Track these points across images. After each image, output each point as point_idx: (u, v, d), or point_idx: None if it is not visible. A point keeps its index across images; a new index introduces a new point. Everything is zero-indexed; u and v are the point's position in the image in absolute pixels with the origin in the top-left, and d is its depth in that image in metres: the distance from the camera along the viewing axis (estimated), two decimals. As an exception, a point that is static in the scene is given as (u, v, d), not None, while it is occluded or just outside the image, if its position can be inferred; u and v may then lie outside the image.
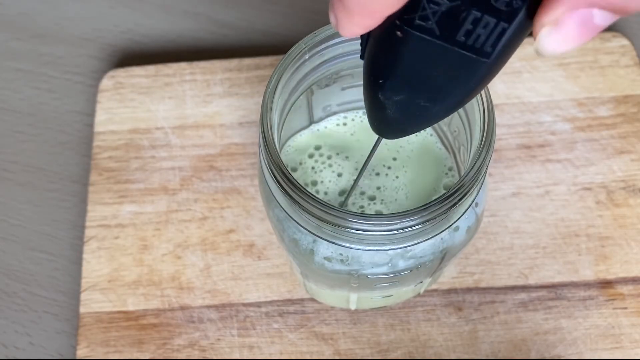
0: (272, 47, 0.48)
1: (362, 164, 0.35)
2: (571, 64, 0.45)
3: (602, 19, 0.21)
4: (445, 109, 0.25)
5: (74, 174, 0.45)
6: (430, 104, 0.24)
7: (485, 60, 0.22)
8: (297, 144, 0.35)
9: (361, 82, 0.34)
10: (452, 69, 0.23)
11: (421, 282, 0.35)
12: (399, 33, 0.23)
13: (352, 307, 0.39)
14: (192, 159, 0.43)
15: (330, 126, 0.36)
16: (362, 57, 0.25)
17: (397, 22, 0.22)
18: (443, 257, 0.31)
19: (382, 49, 0.24)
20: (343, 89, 0.34)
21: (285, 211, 0.30)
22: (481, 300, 0.39)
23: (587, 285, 0.39)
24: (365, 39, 0.25)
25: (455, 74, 0.23)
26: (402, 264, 0.31)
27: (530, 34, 0.22)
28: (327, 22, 0.30)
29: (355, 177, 0.34)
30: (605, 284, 0.39)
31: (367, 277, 0.31)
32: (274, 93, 0.29)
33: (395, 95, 0.25)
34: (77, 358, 0.39)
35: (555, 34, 0.21)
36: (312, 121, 0.36)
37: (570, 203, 0.41)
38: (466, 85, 0.23)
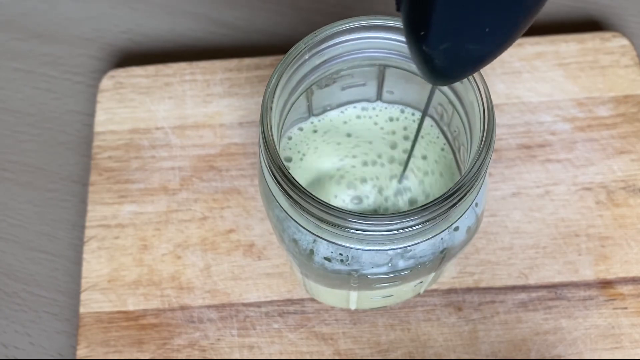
0: (272, 47, 0.48)
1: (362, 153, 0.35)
2: (571, 64, 0.45)
3: None
4: (497, 46, 0.23)
5: (74, 174, 0.45)
6: (479, 45, 0.23)
7: None
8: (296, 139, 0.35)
9: (361, 82, 0.34)
10: (496, 1, 0.21)
11: (421, 282, 0.35)
12: None
13: (352, 307, 0.39)
14: (192, 159, 0.43)
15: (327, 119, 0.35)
16: (398, 9, 0.23)
17: None
18: (443, 257, 0.31)
19: None
20: (343, 89, 0.34)
21: (285, 211, 0.30)
22: (481, 300, 0.39)
23: (587, 285, 0.39)
24: None
25: (500, 6, 0.21)
26: (402, 264, 0.31)
27: None
28: (327, 22, 0.30)
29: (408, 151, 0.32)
30: (605, 284, 0.39)
31: (367, 277, 0.31)
32: (274, 93, 0.29)
33: (440, 45, 0.23)
34: (77, 358, 0.39)
35: None
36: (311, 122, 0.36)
37: (570, 203, 0.41)
38: (515, 14, 0.22)
